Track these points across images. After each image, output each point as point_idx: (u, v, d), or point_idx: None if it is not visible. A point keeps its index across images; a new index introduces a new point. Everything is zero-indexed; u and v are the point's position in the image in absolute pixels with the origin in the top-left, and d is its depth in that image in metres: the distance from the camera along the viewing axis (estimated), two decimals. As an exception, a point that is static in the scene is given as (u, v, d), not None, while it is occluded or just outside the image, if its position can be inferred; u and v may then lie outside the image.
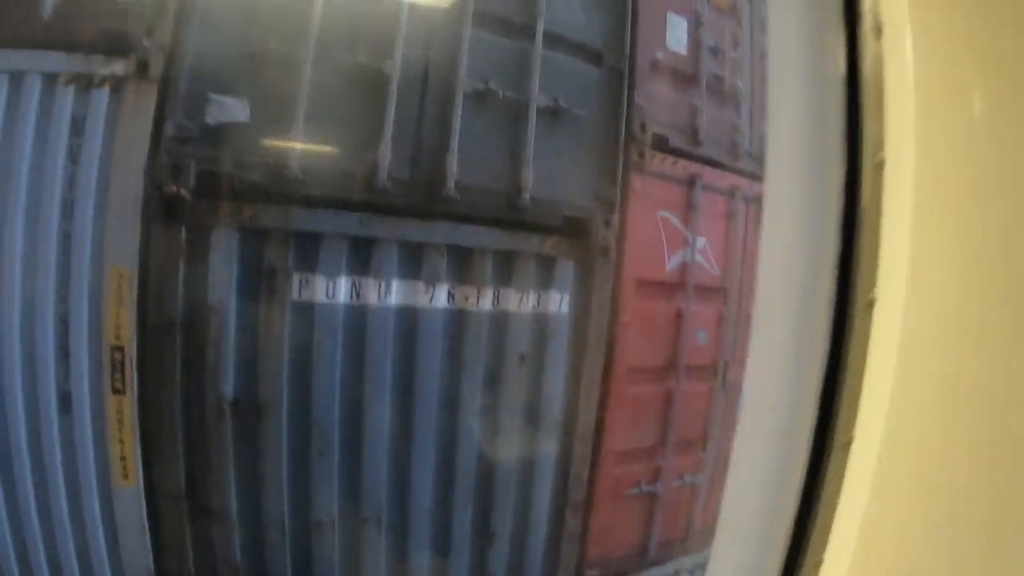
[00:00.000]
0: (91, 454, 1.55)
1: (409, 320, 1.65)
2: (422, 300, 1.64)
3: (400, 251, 1.63)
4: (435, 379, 1.67)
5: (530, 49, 1.71)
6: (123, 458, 1.58)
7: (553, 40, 1.73)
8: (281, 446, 1.65)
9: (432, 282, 1.63)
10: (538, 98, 1.69)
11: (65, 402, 1.57)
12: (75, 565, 1.52)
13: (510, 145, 1.70)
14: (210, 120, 1.54)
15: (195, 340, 1.59)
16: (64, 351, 1.57)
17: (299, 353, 1.63)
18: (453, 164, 1.61)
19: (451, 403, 1.69)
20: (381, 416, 1.67)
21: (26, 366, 1.56)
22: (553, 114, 1.72)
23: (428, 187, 1.63)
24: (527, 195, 1.67)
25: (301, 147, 1.56)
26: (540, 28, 1.72)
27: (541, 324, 1.72)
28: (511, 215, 1.68)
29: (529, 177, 1.67)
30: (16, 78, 1.54)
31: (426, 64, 1.63)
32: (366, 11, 1.61)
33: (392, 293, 1.63)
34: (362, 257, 1.61)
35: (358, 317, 1.64)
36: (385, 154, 1.58)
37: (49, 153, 1.54)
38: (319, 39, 1.55)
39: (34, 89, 1.54)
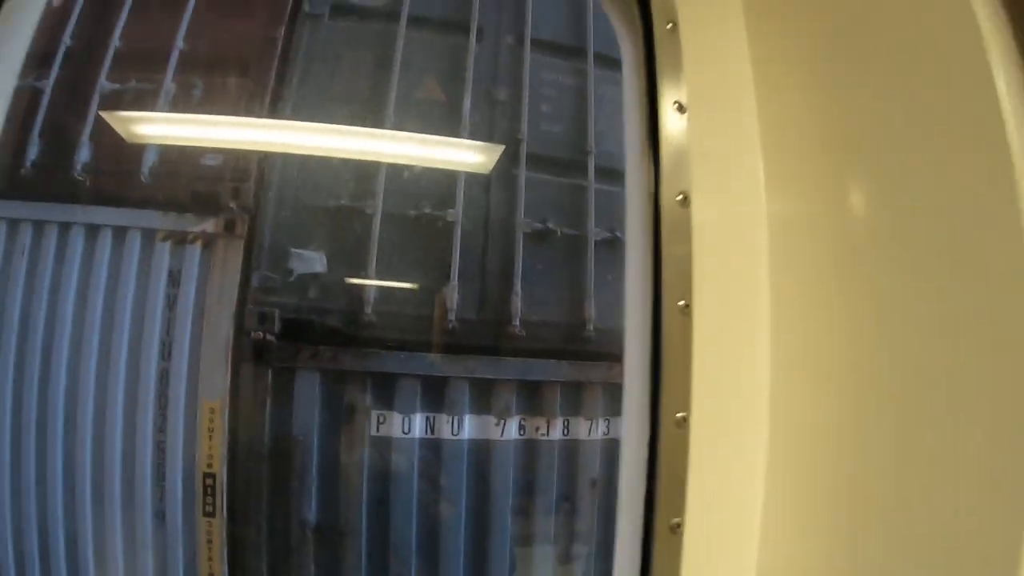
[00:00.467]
0: (181, 572, 1.66)
1: (482, 451, 1.71)
2: (494, 433, 1.70)
3: (471, 387, 1.69)
4: (507, 506, 1.72)
5: (584, 184, 1.77)
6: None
7: (605, 173, 1.79)
8: (360, 569, 1.72)
9: (503, 416, 1.69)
10: (595, 232, 1.74)
11: (160, 521, 1.69)
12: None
13: (572, 279, 1.75)
14: (291, 271, 1.66)
15: (281, 469, 1.69)
16: (161, 475, 1.70)
17: (378, 483, 1.71)
18: (518, 303, 1.67)
19: (524, 528, 1.73)
20: (456, 540, 1.73)
21: (126, 487, 1.69)
22: (611, 245, 1.76)
23: (496, 326, 1.69)
24: (591, 326, 1.72)
25: (374, 293, 1.66)
26: (591, 164, 1.79)
27: (611, 449, 1.75)
28: (576, 347, 1.73)
29: (592, 309, 1.72)
30: (119, 233, 1.70)
31: (487, 208, 1.71)
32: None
33: (465, 427, 1.70)
34: (435, 394, 1.69)
35: (433, 450, 1.71)
36: (453, 297, 1.66)
37: (149, 300, 1.69)
38: (386, 193, 1.66)
39: (135, 243, 1.70)
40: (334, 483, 1.73)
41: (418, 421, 1.69)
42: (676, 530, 0.57)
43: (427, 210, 1.68)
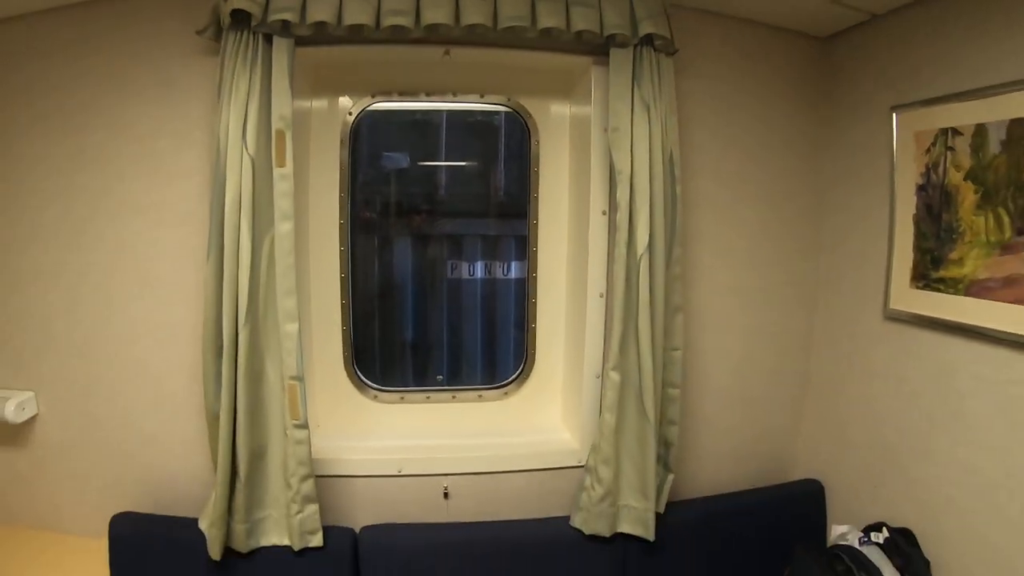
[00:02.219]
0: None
1: (520, 285, 2.51)
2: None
3: (515, 242, 2.45)
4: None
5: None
6: None
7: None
8: (444, 371, 2.55)
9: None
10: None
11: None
12: None
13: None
14: (385, 168, 2.35)
15: (387, 304, 2.43)
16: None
17: (453, 310, 2.47)
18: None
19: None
20: (507, 344, 2.55)
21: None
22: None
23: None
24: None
25: (445, 178, 2.36)
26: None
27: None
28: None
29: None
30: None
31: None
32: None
33: (512, 269, 2.47)
34: (490, 248, 2.45)
35: (490, 285, 2.49)
36: (500, 177, 2.38)
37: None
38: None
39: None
40: (423, 312, 2.54)
41: (479, 267, 2.48)
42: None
43: (480, 118, 2.35)
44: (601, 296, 1.85)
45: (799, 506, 2.05)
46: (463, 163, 2.37)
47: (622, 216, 1.73)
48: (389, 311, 2.39)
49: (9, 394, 2.01)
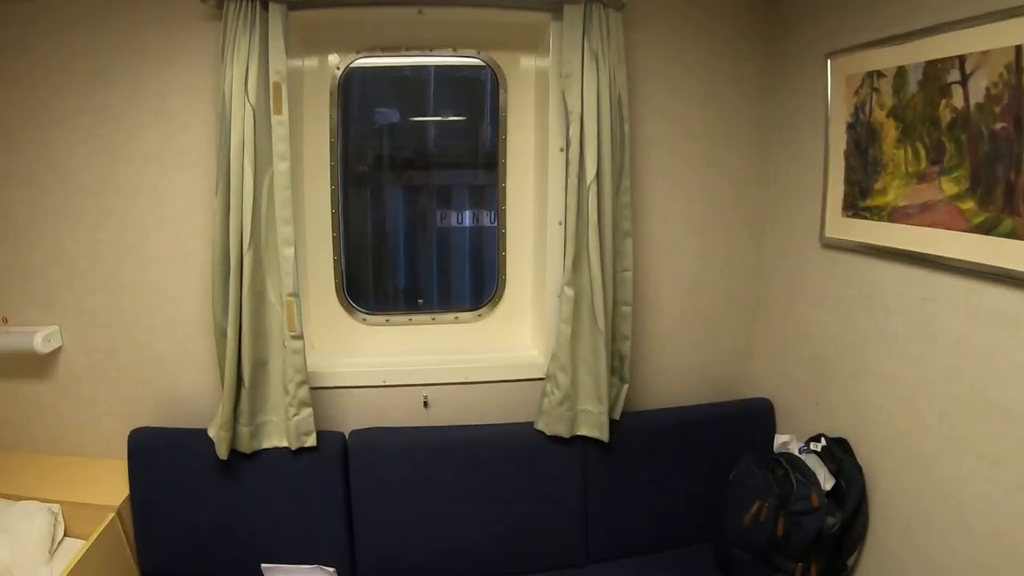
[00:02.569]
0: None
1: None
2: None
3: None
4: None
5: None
6: None
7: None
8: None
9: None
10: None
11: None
12: None
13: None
14: (376, 122, 2.58)
15: (380, 253, 2.68)
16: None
17: (441, 256, 2.71)
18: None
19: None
20: (493, 279, 2.78)
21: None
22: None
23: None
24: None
25: (433, 132, 2.57)
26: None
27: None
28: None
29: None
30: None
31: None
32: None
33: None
34: (477, 197, 2.68)
35: (477, 233, 2.71)
36: (486, 130, 2.61)
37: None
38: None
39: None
40: (414, 259, 2.76)
41: (467, 215, 2.71)
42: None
43: (466, 74, 2.53)
44: (560, 224, 2.08)
45: (750, 422, 2.26)
46: (451, 118, 2.57)
47: (574, 151, 1.95)
48: (377, 246, 2.60)
49: (36, 328, 2.26)
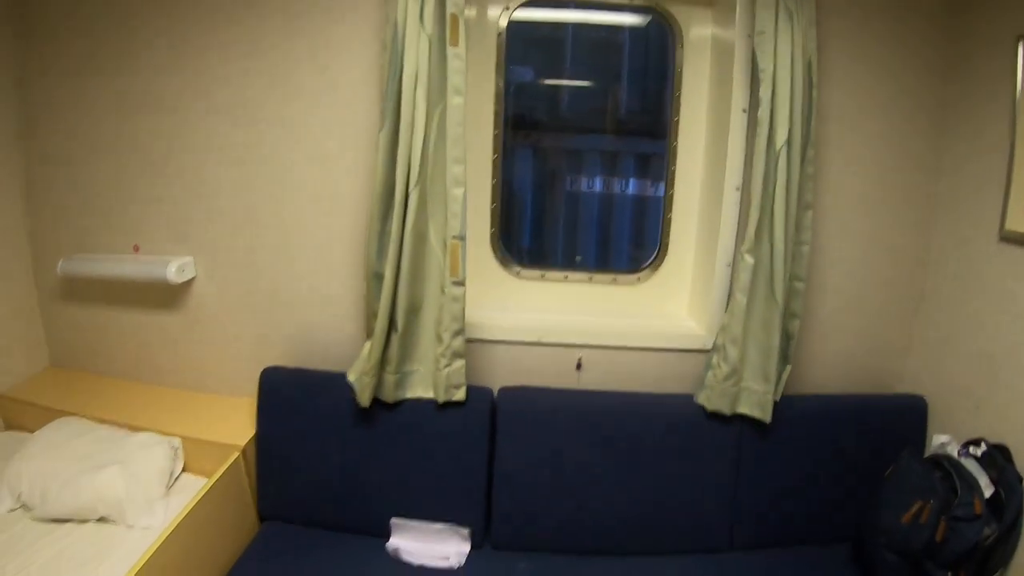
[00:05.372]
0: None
1: (639, 202, 2.64)
2: (649, 191, 2.61)
3: (635, 159, 2.59)
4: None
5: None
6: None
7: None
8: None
9: (656, 180, 2.60)
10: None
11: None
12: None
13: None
14: (510, 83, 2.48)
15: (508, 211, 2.51)
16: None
17: (569, 222, 2.59)
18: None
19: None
20: (622, 249, 2.68)
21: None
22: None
23: (654, 115, 2.53)
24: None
25: (567, 95, 2.49)
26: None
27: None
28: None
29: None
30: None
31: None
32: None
33: (630, 186, 2.61)
34: (610, 163, 2.59)
35: (607, 200, 2.62)
36: (621, 94, 2.52)
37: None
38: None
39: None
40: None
41: (598, 182, 2.62)
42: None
43: (604, 34, 2.42)
44: (737, 189, 1.98)
45: (902, 418, 2.13)
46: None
47: (763, 113, 1.85)
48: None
49: (170, 257, 2.20)
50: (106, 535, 1.86)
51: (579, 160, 2.51)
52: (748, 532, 2.03)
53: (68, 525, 1.89)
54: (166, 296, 2.27)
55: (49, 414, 2.21)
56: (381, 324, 1.87)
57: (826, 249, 2.09)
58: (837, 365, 2.19)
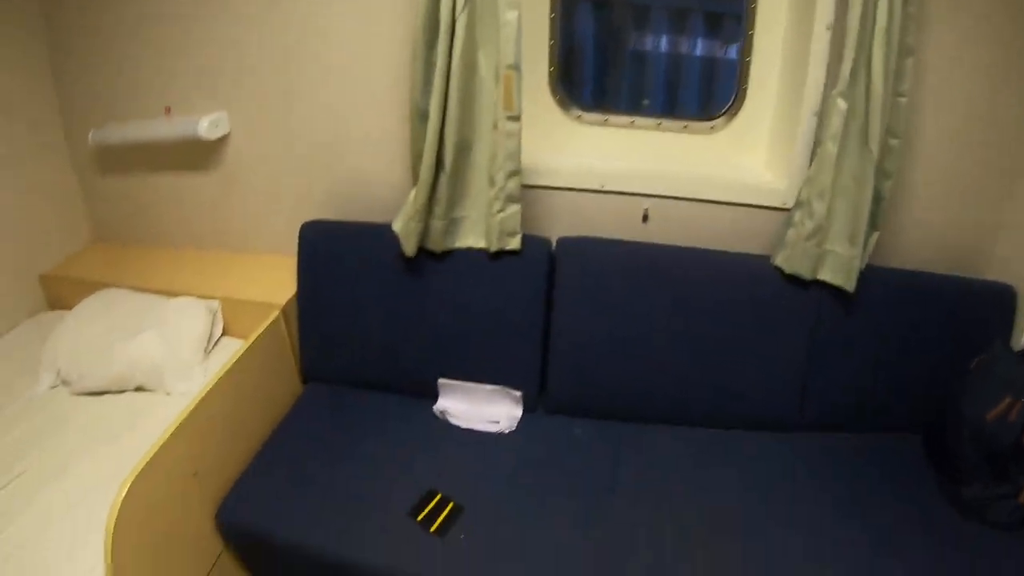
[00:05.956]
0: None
1: (708, 65, 2.37)
2: (718, 52, 2.34)
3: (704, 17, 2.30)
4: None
5: None
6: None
7: None
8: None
9: (727, 42, 2.33)
10: None
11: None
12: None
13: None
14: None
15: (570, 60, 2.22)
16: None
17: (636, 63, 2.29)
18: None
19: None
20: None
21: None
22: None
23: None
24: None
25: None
26: None
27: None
28: None
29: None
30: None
31: None
32: None
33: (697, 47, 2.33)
34: (678, 19, 2.31)
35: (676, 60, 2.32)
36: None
37: None
38: None
39: None
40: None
41: (664, 41, 2.35)
42: None
43: None
44: (828, 29, 1.70)
45: (984, 307, 1.86)
46: None
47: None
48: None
49: (201, 114, 2.06)
50: (144, 403, 1.81)
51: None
52: (818, 411, 1.83)
53: (106, 397, 1.84)
54: (201, 156, 2.16)
55: (90, 289, 2.15)
56: (427, 163, 1.70)
57: (922, 108, 1.80)
58: (924, 241, 1.92)
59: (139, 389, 1.87)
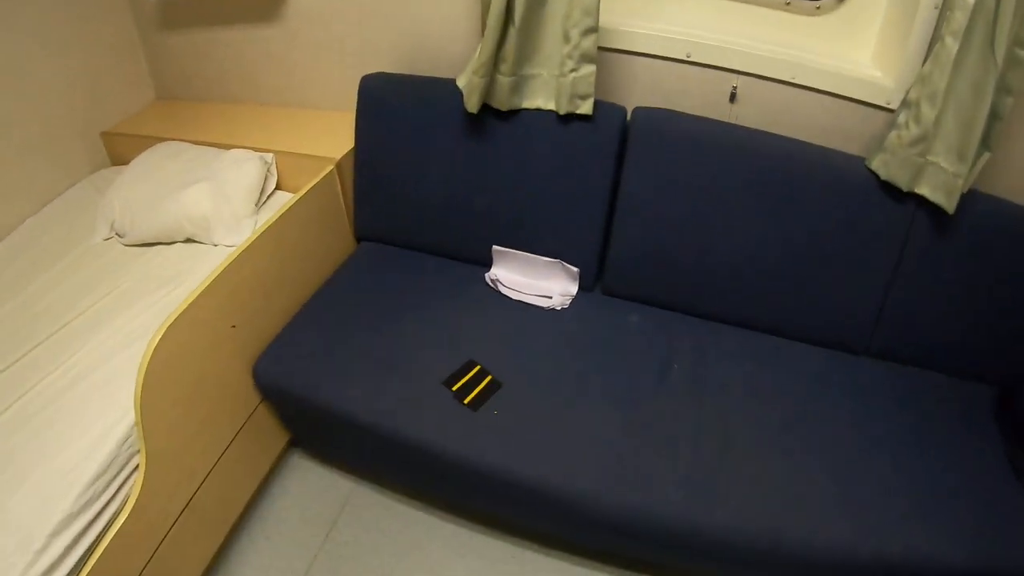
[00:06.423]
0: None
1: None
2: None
3: None
4: None
5: None
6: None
7: None
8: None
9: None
10: None
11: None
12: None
13: None
14: None
15: None
16: None
17: None
18: None
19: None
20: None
21: None
22: None
23: None
24: None
25: None
26: None
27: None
28: None
29: None
30: None
31: None
32: None
33: None
34: None
35: None
36: None
37: None
38: None
39: None
40: None
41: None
42: None
43: None
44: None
45: None
46: None
47: None
48: None
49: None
50: (192, 253, 1.81)
51: None
52: (889, 339, 1.66)
53: (157, 247, 1.84)
54: (264, 9, 2.06)
55: (150, 144, 2.13)
56: (496, 12, 1.56)
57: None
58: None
59: (188, 241, 1.86)
